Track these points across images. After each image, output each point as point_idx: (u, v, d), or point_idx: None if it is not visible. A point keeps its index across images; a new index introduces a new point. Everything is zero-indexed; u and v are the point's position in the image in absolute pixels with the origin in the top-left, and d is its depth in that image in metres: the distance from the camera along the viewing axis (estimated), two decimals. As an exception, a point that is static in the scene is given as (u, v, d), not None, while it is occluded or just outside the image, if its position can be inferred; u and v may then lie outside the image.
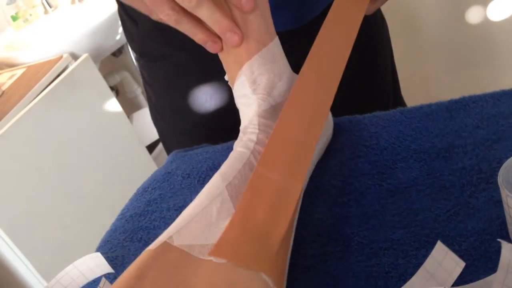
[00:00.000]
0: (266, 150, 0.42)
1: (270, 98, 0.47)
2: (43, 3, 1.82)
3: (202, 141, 0.69)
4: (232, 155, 0.46)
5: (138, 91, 1.97)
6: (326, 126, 0.54)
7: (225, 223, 0.38)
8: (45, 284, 1.23)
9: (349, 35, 0.51)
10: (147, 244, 0.53)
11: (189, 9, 0.44)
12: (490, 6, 1.41)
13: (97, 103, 1.51)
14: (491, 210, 0.42)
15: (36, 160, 1.31)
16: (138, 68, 0.83)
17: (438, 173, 0.47)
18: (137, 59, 0.79)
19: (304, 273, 0.43)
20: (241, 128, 0.49)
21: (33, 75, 1.45)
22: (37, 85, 1.39)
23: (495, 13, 1.41)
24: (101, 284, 0.45)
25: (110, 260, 0.52)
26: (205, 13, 0.44)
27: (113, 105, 1.55)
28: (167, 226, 0.43)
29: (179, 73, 0.73)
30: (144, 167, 1.61)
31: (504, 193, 0.37)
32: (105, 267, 0.50)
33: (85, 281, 0.49)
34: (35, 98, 1.34)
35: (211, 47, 0.48)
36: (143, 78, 0.81)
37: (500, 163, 0.46)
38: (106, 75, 1.80)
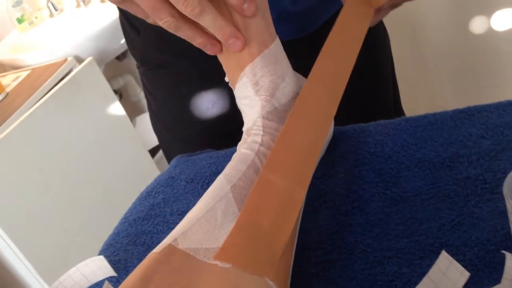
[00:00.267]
0: (272, 155, 0.42)
1: (273, 100, 0.47)
2: (48, 6, 1.83)
3: (202, 149, 0.69)
4: (236, 156, 0.46)
5: (141, 95, 1.98)
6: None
7: (230, 225, 0.38)
8: (46, 286, 1.23)
9: (354, 44, 0.51)
10: (150, 248, 0.53)
11: (191, 17, 0.44)
12: (494, 16, 1.42)
13: (100, 107, 1.51)
14: (496, 220, 0.42)
15: (39, 162, 1.31)
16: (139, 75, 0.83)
17: (443, 182, 0.47)
18: (138, 67, 0.79)
19: (308, 280, 0.43)
20: (244, 129, 0.49)
21: (37, 78, 1.45)
22: (42, 87, 1.39)
23: (499, 23, 1.41)
24: (104, 287, 0.45)
25: (113, 264, 0.52)
26: (208, 20, 0.44)
27: (116, 108, 1.55)
28: (170, 231, 0.43)
29: (181, 81, 0.73)
30: (146, 171, 1.61)
31: (509, 203, 0.37)
32: (108, 271, 0.50)
33: (87, 284, 0.49)
34: (39, 100, 1.34)
35: (210, 50, 0.48)
36: (144, 85, 0.81)
37: (505, 174, 0.46)
38: (110, 79, 1.81)
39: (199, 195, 0.58)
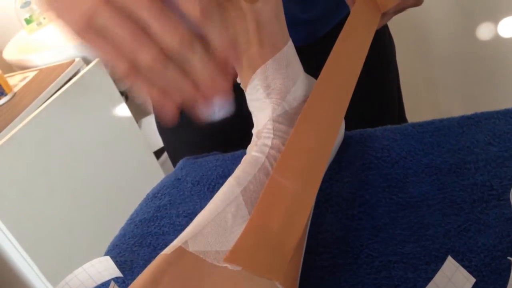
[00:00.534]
0: (282, 158, 0.42)
1: (284, 103, 0.47)
2: (57, 7, 1.84)
3: (208, 152, 0.69)
4: (246, 159, 0.46)
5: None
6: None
7: (240, 229, 0.39)
8: (50, 287, 1.23)
9: (362, 48, 0.51)
10: (156, 249, 0.54)
11: (196, 21, 0.32)
12: (502, 22, 1.41)
13: (107, 108, 1.52)
14: (502, 227, 0.42)
15: (45, 163, 1.32)
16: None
17: (449, 188, 0.47)
18: None
19: (313, 284, 0.43)
20: (254, 131, 0.49)
21: (44, 78, 1.46)
22: (49, 88, 1.40)
23: (506, 29, 1.41)
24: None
25: (119, 264, 0.52)
26: (216, 26, 0.34)
27: (122, 110, 1.56)
28: (176, 232, 0.44)
29: None
30: (151, 173, 1.62)
31: (516, 210, 0.37)
32: (113, 271, 0.51)
33: (93, 284, 0.50)
34: (46, 100, 1.35)
35: (203, 107, 0.37)
36: None
37: (511, 181, 0.46)
38: (116, 80, 1.82)
39: (206, 197, 0.59)
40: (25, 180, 1.27)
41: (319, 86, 0.47)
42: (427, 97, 1.66)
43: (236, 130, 0.60)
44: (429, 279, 0.38)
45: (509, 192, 0.44)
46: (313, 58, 0.58)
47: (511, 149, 0.49)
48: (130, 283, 0.41)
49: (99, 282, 0.50)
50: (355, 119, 0.61)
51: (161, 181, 0.67)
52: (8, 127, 1.27)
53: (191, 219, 0.43)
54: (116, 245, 0.57)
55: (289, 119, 0.47)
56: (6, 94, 1.41)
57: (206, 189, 0.60)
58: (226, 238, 0.39)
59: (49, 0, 0.32)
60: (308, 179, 0.41)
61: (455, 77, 1.60)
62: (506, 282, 0.37)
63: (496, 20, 1.41)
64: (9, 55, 1.70)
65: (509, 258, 0.39)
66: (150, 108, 0.35)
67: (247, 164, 0.44)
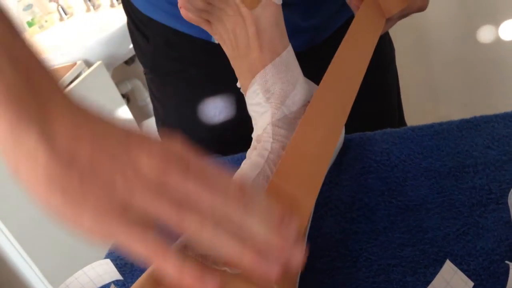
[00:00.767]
0: (282, 162, 0.42)
1: (284, 107, 0.48)
2: (58, 10, 1.84)
3: (209, 155, 0.69)
4: (245, 163, 0.46)
5: (148, 100, 1.99)
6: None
7: None
8: (51, 288, 1.23)
9: (365, 53, 0.52)
10: (156, 252, 0.54)
11: (235, 218, 0.30)
12: (502, 25, 1.42)
13: (108, 110, 1.52)
14: (500, 230, 0.42)
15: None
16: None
17: (448, 192, 0.48)
18: (145, 73, 0.79)
19: (312, 287, 0.43)
20: (253, 135, 0.50)
21: (46, 81, 1.46)
22: (50, 90, 1.40)
23: (507, 32, 1.41)
24: (110, 291, 0.45)
25: (119, 267, 0.52)
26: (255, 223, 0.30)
27: (124, 112, 1.56)
28: (177, 235, 0.44)
29: (189, 88, 0.73)
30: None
31: (514, 214, 0.37)
32: (114, 274, 0.51)
33: (94, 287, 0.50)
34: (48, 103, 1.35)
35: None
36: (151, 92, 0.80)
37: (510, 184, 0.46)
38: (118, 83, 1.82)
39: (206, 200, 0.59)
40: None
41: (321, 90, 0.47)
42: (426, 101, 1.66)
43: (236, 134, 0.61)
44: (427, 282, 0.38)
45: (507, 196, 0.44)
46: (312, 63, 0.58)
47: (509, 153, 0.49)
48: (131, 285, 0.41)
49: (100, 285, 0.50)
50: (354, 122, 0.62)
51: (162, 184, 0.67)
52: (10, 129, 1.27)
53: (191, 222, 0.43)
54: (117, 247, 0.57)
55: (289, 124, 0.47)
56: (8, 97, 1.42)
57: (206, 192, 0.60)
58: None
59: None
60: (308, 183, 0.41)
61: (455, 80, 1.61)
62: (504, 286, 0.37)
63: (496, 23, 1.42)
64: (11, 57, 1.71)
65: (507, 262, 0.39)
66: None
67: (247, 168, 0.44)
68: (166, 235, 0.30)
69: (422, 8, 0.58)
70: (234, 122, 0.71)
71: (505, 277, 0.38)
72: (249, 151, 0.48)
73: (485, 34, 1.45)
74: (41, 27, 1.83)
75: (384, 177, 0.52)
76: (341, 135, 0.56)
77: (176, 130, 0.80)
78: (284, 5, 0.50)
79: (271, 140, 0.46)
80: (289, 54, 0.49)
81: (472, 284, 0.36)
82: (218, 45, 0.53)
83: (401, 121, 0.85)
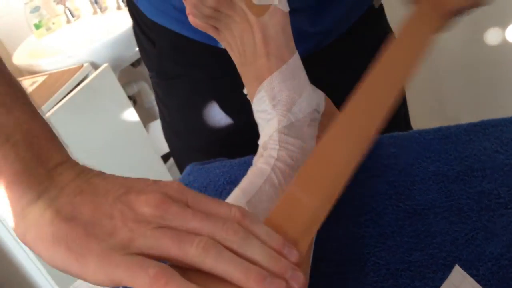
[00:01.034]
0: (303, 171, 0.41)
1: (290, 115, 0.48)
2: (65, 13, 1.85)
3: (215, 158, 0.69)
4: (252, 170, 0.46)
5: (155, 102, 1.99)
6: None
7: None
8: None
9: (413, 58, 0.48)
10: (163, 255, 0.54)
11: (236, 245, 0.33)
12: (509, 28, 1.41)
13: (115, 112, 1.53)
14: (509, 235, 0.42)
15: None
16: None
17: (456, 196, 0.47)
18: (151, 76, 0.79)
19: (320, 291, 0.43)
20: (260, 142, 0.50)
21: (53, 83, 1.47)
22: (58, 93, 1.41)
23: (514, 35, 1.41)
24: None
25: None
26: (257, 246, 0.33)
27: (130, 114, 1.57)
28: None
29: (195, 91, 0.74)
30: (158, 177, 1.61)
31: (524, 219, 0.37)
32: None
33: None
34: (55, 105, 1.36)
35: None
36: (157, 95, 0.80)
37: (519, 189, 0.46)
38: (124, 85, 1.83)
39: (213, 203, 0.59)
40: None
41: (356, 98, 0.44)
42: (434, 104, 1.65)
43: (242, 138, 0.61)
44: (436, 287, 0.38)
45: (516, 201, 0.44)
46: (318, 68, 0.58)
47: (518, 157, 0.49)
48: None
49: (107, 287, 0.50)
50: None
51: (169, 187, 0.67)
52: (17, 131, 1.28)
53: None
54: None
55: (295, 131, 0.47)
56: (15, 99, 1.42)
57: (213, 195, 0.60)
58: None
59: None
60: (326, 195, 0.40)
61: (462, 83, 1.60)
62: (513, 291, 0.37)
63: (503, 25, 1.41)
64: (19, 60, 1.72)
65: (516, 267, 0.38)
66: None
67: (253, 175, 0.44)
68: None
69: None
70: (240, 126, 0.71)
71: (514, 283, 0.38)
72: (255, 158, 0.48)
73: (492, 37, 1.44)
74: (48, 29, 1.84)
75: (392, 181, 0.52)
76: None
77: (182, 133, 0.80)
78: (292, 11, 0.50)
79: (277, 147, 0.46)
80: (296, 61, 0.49)
81: (481, 289, 0.36)
82: (225, 49, 0.53)
83: (407, 125, 0.84)
